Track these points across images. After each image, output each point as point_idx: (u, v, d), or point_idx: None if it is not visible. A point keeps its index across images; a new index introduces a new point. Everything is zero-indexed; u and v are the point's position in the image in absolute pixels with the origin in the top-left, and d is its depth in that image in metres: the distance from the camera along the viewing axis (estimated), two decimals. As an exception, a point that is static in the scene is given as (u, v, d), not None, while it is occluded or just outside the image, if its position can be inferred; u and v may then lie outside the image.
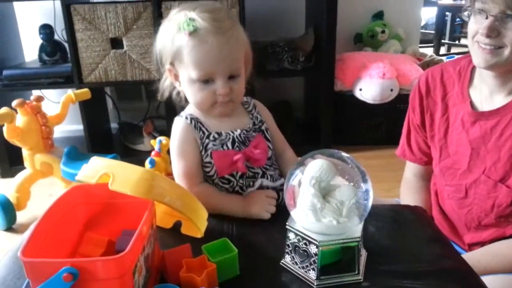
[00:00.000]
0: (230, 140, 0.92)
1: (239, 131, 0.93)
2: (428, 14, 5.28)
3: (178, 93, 0.97)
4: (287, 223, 0.73)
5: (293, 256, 0.73)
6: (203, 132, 0.92)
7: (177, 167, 0.93)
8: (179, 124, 0.94)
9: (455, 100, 1.07)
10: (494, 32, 0.88)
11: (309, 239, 0.69)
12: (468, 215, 1.06)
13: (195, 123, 0.92)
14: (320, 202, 0.68)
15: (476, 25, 0.92)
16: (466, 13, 0.95)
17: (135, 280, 0.60)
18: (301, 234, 0.70)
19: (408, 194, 1.26)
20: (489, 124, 0.99)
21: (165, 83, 0.97)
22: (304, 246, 0.70)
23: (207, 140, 0.92)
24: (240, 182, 0.93)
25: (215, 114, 0.92)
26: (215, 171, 0.92)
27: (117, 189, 0.65)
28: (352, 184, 0.69)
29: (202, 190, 0.91)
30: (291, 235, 0.72)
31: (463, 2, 4.66)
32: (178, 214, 0.77)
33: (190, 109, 0.96)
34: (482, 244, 1.06)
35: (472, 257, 1.00)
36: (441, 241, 0.84)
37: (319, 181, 0.68)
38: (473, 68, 1.04)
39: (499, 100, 0.99)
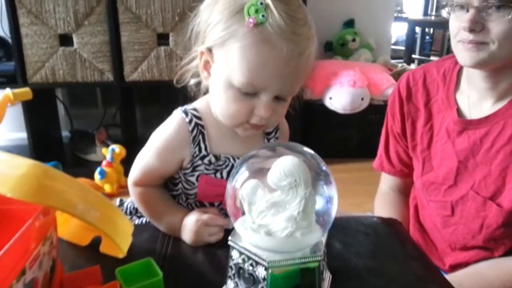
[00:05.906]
0: (227, 168, 0.74)
1: None
2: (399, 31, 5.35)
3: (199, 83, 0.76)
4: (229, 238, 0.57)
5: (236, 282, 0.56)
6: (200, 150, 0.73)
7: (144, 159, 0.76)
8: (177, 122, 0.74)
9: (439, 107, 0.98)
10: (478, 26, 0.79)
11: (256, 259, 0.53)
12: (453, 235, 0.97)
13: (196, 133, 0.73)
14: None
15: (457, 22, 0.83)
16: (446, 9, 0.87)
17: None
18: (247, 253, 0.54)
19: (383, 209, 1.16)
20: (478, 134, 0.90)
21: (191, 64, 0.75)
22: (249, 268, 0.54)
23: (199, 161, 0.73)
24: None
25: (238, 132, 0.72)
26: (195, 193, 0.76)
27: (-8, 189, 0.48)
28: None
29: (144, 193, 0.77)
30: (234, 254, 0.56)
31: (432, 18, 4.76)
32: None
33: (200, 108, 0.75)
34: (465, 265, 0.97)
35: (453, 280, 0.91)
36: (421, 259, 0.73)
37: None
38: (460, 70, 0.96)
39: (489, 106, 0.90)
